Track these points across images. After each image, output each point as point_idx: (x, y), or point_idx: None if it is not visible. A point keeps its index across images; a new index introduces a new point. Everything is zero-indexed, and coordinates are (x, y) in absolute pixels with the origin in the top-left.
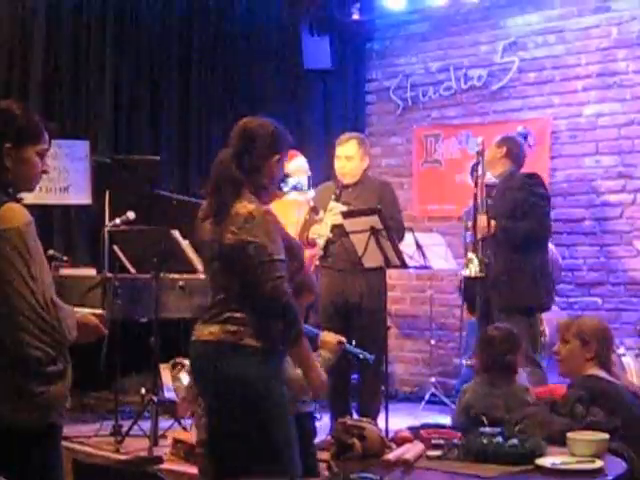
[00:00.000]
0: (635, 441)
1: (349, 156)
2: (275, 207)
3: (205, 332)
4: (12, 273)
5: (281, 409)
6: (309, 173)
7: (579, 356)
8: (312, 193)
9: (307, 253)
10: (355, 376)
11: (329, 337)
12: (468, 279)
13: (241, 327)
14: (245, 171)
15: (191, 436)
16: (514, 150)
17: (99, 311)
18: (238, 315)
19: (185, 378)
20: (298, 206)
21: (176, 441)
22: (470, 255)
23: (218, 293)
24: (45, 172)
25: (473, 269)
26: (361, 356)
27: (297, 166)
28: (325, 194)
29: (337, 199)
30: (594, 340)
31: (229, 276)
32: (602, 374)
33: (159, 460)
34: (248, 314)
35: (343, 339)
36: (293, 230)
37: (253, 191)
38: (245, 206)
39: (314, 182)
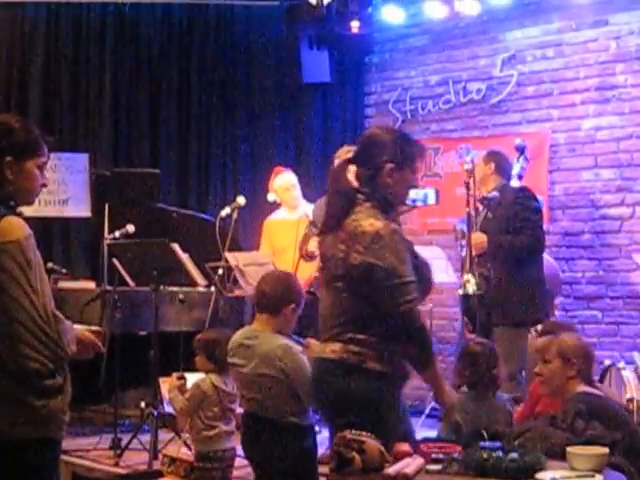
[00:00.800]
0: (636, 455)
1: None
2: (285, 226)
3: (327, 350)
4: (12, 285)
5: (396, 433)
6: (297, 189)
7: (561, 375)
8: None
9: (306, 267)
10: None
11: (315, 342)
12: (466, 297)
13: (364, 349)
14: (365, 181)
15: (180, 451)
16: (502, 164)
17: (97, 328)
18: (361, 337)
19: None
20: (296, 225)
21: (172, 459)
22: (467, 276)
23: (341, 313)
24: (45, 185)
25: (471, 288)
26: None
27: (284, 182)
28: (324, 208)
29: None
30: (576, 358)
31: (354, 297)
32: (590, 390)
33: (159, 474)
34: (372, 337)
35: None
36: (292, 248)
37: (376, 205)
38: (372, 224)
39: (314, 195)
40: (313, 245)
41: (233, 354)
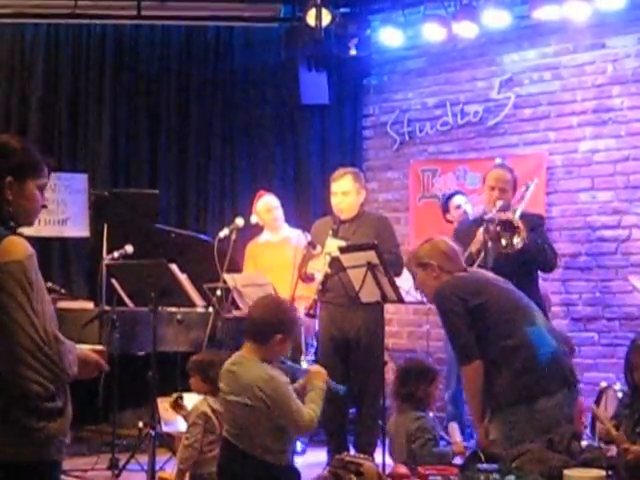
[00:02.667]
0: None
1: (345, 191)
2: (268, 247)
3: None
4: (14, 307)
5: None
6: (278, 211)
7: (428, 279)
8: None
9: (305, 289)
10: (353, 410)
11: (317, 368)
12: None
13: None
14: None
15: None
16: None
17: (99, 347)
18: None
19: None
20: (292, 244)
21: None
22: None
23: None
24: (45, 207)
25: None
26: (332, 387)
27: (265, 203)
28: (322, 229)
29: (335, 234)
30: (430, 258)
31: None
32: (457, 274)
33: None
34: None
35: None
36: (288, 269)
37: None
38: None
39: (311, 216)
40: (312, 267)
41: (221, 379)
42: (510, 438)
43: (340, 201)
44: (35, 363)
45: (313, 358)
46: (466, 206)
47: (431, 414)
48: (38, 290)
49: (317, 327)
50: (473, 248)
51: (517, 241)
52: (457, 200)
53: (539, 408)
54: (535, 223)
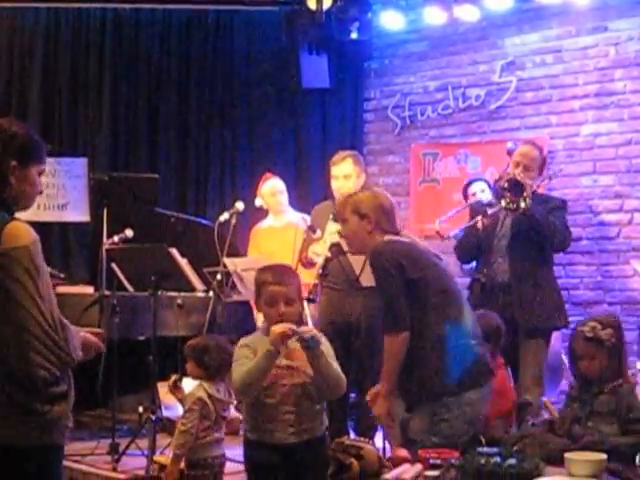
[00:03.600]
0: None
1: (347, 175)
2: (271, 232)
3: None
4: (21, 293)
5: None
6: (283, 195)
7: (361, 230)
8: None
9: (305, 274)
10: (353, 395)
11: (274, 328)
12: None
13: None
14: None
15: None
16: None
17: (97, 330)
18: None
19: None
20: (295, 228)
21: (162, 466)
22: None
23: None
24: (41, 192)
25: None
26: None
27: (270, 187)
28: (323, 213)
29: (335, 219)
30: (369, 211)
31: None
32: (394, 238)
33: (157, 479)
34: None
35: (293, 327)
36: (291, 253)
37: None
38: None
39: (312, 200)
40: (312, 251)
41: None
42: (435, 430)
43: (342, 185)
44: (42, 348)
45: None
46: (482, 194)
47: None
48: (44, 275)
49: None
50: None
51: (522, 203)
52: (474, 187)
53: (466, 401)
54: (555, 205)
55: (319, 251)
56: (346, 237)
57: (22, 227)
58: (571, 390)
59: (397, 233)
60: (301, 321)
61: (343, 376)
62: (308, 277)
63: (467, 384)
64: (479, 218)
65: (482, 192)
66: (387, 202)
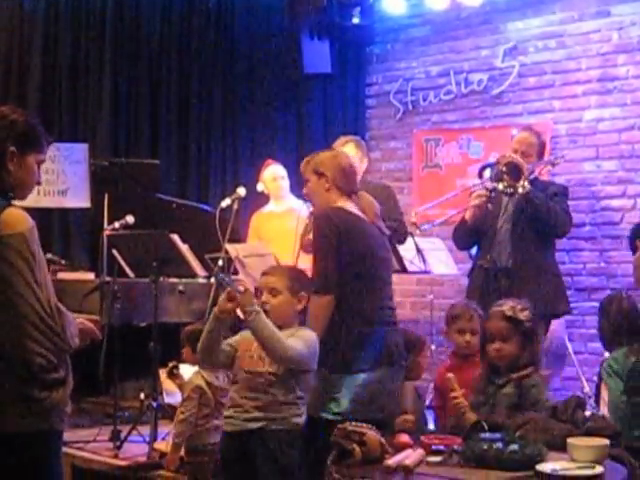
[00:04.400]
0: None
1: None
2: (272, 217)
3: None
4: (18, 279)
5: None
6: (284, 180)
7: (319, 188)
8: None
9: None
10: None
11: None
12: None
13: None
14: None
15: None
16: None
17: (94, 317)
18: None
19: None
20: (296, 214)
21: (162, 453)
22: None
23: None
24: (39, 183)
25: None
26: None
27: (272, 173)
28: None
29: None
30: (327, 170)
31: None
32: (349, 206)
33: (158, 466)
34: None
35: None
36: (291, 240)
37: None
38: None
39: None
40: None
41: None
42: (325, 407)
43: None
44: (38, 335)
45: None
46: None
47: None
48: (40, 262)
49: None
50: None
51: (519, 188)
52: (487, 173)
53: (358, 382)
54: (556, 190)
55: None
56: (307, 195)
57: (18, 214)
58: (474, 381)
59: (354, 193)
60: (291, 313)
61: (292, 351)
62: (309, 262)
63: (359, 366)
64: (466, 209)
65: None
66: (345, 161)
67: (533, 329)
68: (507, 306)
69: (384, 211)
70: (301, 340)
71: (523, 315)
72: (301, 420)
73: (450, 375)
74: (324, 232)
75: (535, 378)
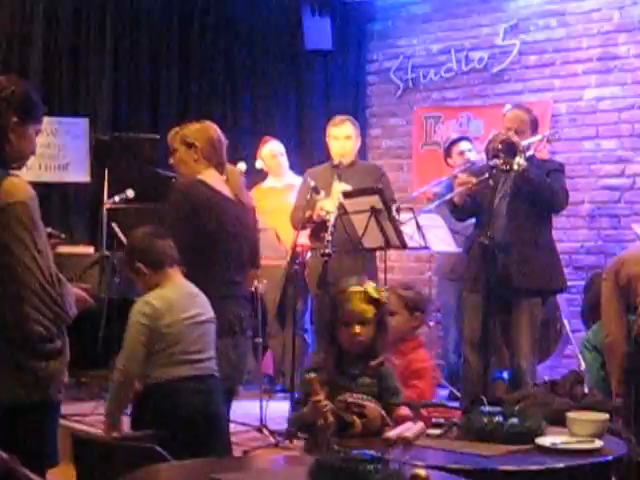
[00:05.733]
0: None
1: (348, 135)
2: (271, 192)
3: None
4: (19, 247)
5: None
6: (283, 157)
7: (189, 159)
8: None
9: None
10: None
11: None
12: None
13: None
14: None
15: None
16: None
17: (85, 284)
18: None
19: None
20: (295, 190)
21: None
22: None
23: None
24: (33, 153)
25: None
26: None
27: (270, 149)
28: (321, 175)
29: (340, 178)
30: (197, 141)
31: None
32: (212, 180)
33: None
34: None
35: None
36: (289, 214)
37: None
38: None
39: (315, 161)
40: (321, 207)
41: None
42: None
43: (343, 145)
44: (39, 304)
45: None
46: (470, 154)
47: None
48: (41, 231)
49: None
50: (456, 198)
51: (515, 165)
52: (463, 146)
53: None
54: (553, 167)
55: (329, 208)
56: (175, 165)
57: (19, 183)
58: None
59: (222, 165)
60: None
61: None
62: (305, 238)
63: None
64: (453, 194)
65: (469, 151)
66: (214, 132)
67: (388, 313)
68: (370, 287)
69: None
70: None
71: (385, 297)
72: None
73: (312, 375)
74: (176, 205)
75: (388, 365)
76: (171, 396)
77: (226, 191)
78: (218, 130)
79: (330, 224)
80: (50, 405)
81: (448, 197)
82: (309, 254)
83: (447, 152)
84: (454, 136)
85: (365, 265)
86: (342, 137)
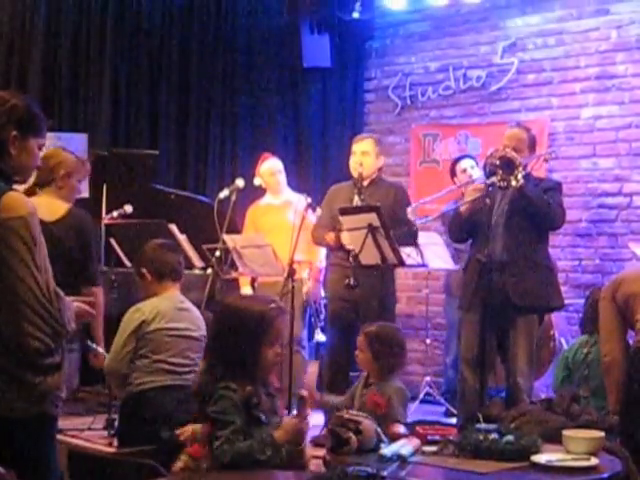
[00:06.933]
0: None
1: (365, 151)
2: (269, 209)
3: None
4: (18, 262)
5: None
6: (281, 175)
7: None
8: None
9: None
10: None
11: None
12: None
13: None
14: None
15: None
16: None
17: (88, 298)
18: None
19: None
20: (293, 207)
21: None
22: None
23: None
24: (38, 168)
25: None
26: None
27: (269, 167)
28: (339, 193)
29: (359, 194)
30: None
31: None
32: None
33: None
34: None
35: None
36: (288, 232)
37: None
38: None
39: (312, 178)
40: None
41: None
42: None
43: (358, 160)
44: (36, 319)
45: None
46: (472, 170)
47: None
48: (40, 246)
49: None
50: (462, 208)
51: (512, 181)
52: (464, 164)
53: None
54: (550, 186)
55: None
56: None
57: (19, 198)
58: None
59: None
60: None
61: None
62: (309, 256)
63: None
64: (461, 203)
65: (472, 168)
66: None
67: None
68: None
69: (387, 209)
70: None
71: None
72: None
73: (303, 393)
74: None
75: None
76: (153, 406)
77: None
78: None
79: (351, 257)
80: (47, 419)
81: (454, 207)
82: (323, 267)
83: (452, 172)
84: (456, 155)
85: (384, 280)
86: (359, 152)
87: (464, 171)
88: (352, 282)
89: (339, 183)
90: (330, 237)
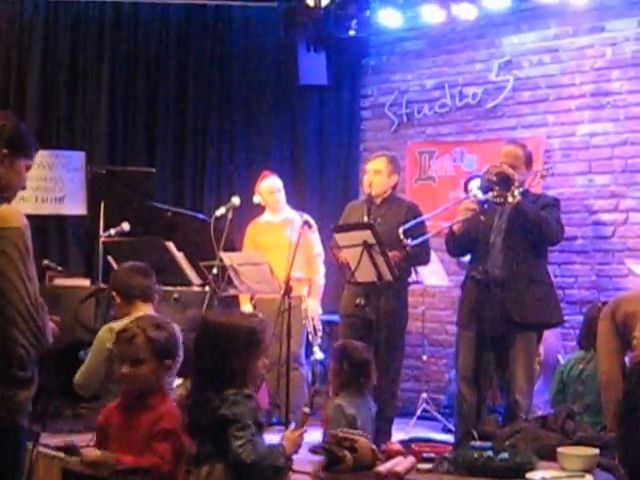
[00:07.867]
0: None
1: (377, 170)
2: (268, 227)
3: None
4: (12, 270)
5: None
6: (281, 193)
7: None
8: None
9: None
10: None
11: None
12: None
13: None
14: None
15: None
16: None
17: (54, 317)
18: None
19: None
20: (292, 225)
21: None
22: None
23: None
24: (24, 188)
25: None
26: None
27: (268, 185)
28: (355, 210)
29: (369, 214)
30: None
31: None
32: None
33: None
34: None
35: None
36: (287, 250)
37: None
38: None
39: (309, 196)
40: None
41: None
42: None
43: (370, 178)
44: (24, 326)
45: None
46: (478, 192)
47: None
48: (32, 259)
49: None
50: (455, 227)
51: (509, 197)
52: (472, 184)
53: None
54: (547, 202)
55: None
56: None
57: (14, 210)
58: None
59: None
60: None
61: None
62: (308, 273)
63: None
64: (453, 222)
65: (478, 189)
66: None
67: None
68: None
69: (396, 226)
70: None
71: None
72: None
73: (306, 410)
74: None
75: None
76: None
77: None
78: None
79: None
80: (18, 430)
81: (447, 226)
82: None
83: (465, 190)
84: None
85: (397, 295)
86: (372, 171)
87: (470, 191)
88: (362, 302)
89: (355, 200)
90: (344, 255)
